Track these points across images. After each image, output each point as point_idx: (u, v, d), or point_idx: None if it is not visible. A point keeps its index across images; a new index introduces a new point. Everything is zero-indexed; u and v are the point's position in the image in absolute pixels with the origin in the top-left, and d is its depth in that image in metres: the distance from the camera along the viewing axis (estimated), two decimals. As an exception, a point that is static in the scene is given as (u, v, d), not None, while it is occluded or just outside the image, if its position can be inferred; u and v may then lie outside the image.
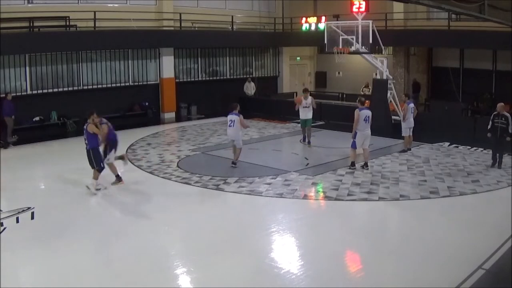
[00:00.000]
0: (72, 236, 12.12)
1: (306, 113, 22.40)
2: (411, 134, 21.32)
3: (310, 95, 23.12)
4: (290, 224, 13.14)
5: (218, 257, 10.75)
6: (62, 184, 17.35)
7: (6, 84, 25.85)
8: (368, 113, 18.26)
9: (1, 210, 14.01)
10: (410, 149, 21.27)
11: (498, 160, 18.60)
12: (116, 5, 29.13)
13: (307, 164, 19.29)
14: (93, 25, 27.29)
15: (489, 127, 18.62)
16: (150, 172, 18.27)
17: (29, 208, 14.02)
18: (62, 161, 20.73)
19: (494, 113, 18.65)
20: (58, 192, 16.43)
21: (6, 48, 24.76)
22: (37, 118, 26.12)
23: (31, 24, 25.82)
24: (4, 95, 24.57)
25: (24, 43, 25.28)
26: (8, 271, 10.28)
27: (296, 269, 10.21)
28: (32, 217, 13.46)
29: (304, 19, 34.49)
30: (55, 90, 27.25)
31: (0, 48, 23.20)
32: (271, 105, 33.03)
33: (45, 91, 26.96)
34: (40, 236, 12.17)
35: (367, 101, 18.93)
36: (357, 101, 18.77)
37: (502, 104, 18.86)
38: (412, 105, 21.36)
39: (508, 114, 18.33)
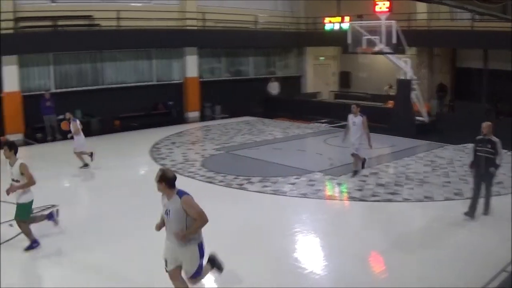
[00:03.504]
0: (95, 234, 12.24)
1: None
2: None
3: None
4: (314, 225, 13.15)
5: (241, 257, 10.76)
6: (86, 182, 17.52)
7: (31, 82, 26.21)
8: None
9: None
10: None
11: (485, 204, 13.50)
12: (139, 4, 29.34)
13: (331, 164, 19.32)
14: (116, 24, 27.49)
15: (471, 158, 13.68)
16: (174, 171, 18.31)
17: (53, 205, 14.13)
18: (87, 159, 20.91)
19: (478, 137, 13.41)
20: (83, 190, 16.61)
21: (31, 47, 25.11)
22: (61, 116, 26.35)
23: (55, 23, 26.06)
24: (43, 93, 25.08)
25: (48, 42, 25.58)
26: (29, 268, 10.55)
27: (320, 269, 10.24)
28: (57, 214, 13.57)
29: (327, 19, 34.55)
30: (80, 88, 27.51)
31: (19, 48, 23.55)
32: (295, 105, 33.03)
33: (69, 89, 27.23)
34: (63, 233, 12.33)
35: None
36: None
37: (489, 123, 13.45)
38: None
39: (496, 139, 13.16)
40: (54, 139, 24.53)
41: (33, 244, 11.26)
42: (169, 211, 7.93)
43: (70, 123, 19.15)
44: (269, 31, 34.59)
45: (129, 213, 13.84)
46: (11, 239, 11.85)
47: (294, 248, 11.55)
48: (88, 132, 25.89)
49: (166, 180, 7.83)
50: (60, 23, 26.17)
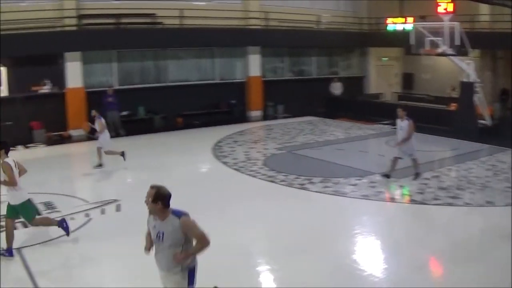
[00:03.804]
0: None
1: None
2: None
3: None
4: (374, 227, 13.16)
5: (300, 256, 10.83)
6: (148, 178, 17.87)
7: (95, 79, 26.85)
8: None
9: (88, 202, 14.68)
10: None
11: None
12: (202, 3, 29.67)
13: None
14: (179, 23, 27.89)
15: None
16: (236, 169, 18.57)
17: (115, 200, 14.60)
18: (148, 155, 21.26)
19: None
20: (144, 186, 16.90)
21: (94, 44, 25.70)
22: (125, 113, 26.86)
23: (118, 21, 26.62)
24: (106, 90, 25.69)
25: (111, 39, 26.20)
26: (91, 263, 10.76)
27: (379, 272, 10.26)
28: (118, 209, 14.03)
29: (389, 19, 34.37)
30: (143, 85, 28.00)
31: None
32: (357, 106, 32.96)
33: (132, 86, 27.76)
34: (124, 228, 12.58)
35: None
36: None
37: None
38: None
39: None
40: (117, 135, 24.99)
41: (5, 253, 10.87)
42: (162, 234, 6.91)
43: (95, 121, 19.36)
44: (331, 31, 34.47)
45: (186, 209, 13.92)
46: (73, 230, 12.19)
47: (353, 250, 11.60)
48: (151, 129, 26.41)
49: (162, 199, 6.89)
50: (123, 20, 26.72)
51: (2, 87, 25.73)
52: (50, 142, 25.05)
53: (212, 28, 28.72)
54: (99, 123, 19.22)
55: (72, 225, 12.42)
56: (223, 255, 10.33)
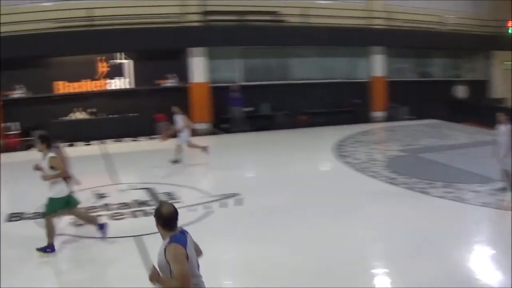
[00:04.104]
0: (274, 227, 12.31)
1: None
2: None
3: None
4: (494, 236, 12.52)
5: (415, 262, 10.42)
6: (270, 173, 17.87)
7: (219, 74, 27.22)
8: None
9: (209, 194, 14.82)
10: None
11: None
12: (325, 2, 29.48)
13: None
14: (301, 21, 27.81)
15: None
16: (357, 170, 18.31)
17: (236, 194, 14.64)
18: (269, 151, 21.31)
19: None
20: (264, 182, 16.94)
21: (219, 40, 26.04)
22: (248, 109, 27.05)
23: (242, 18, 26.82)
24: (231, 85, 25.98)
25: (235, 35, 26.47)
26: (210, 255, 10.74)
27: (496, 283, 9.68)
28: (239, 203, 14.03)
29: (511, 22, 33.08)
30: (267, 82, 28.12)
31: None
32: (481, 110, 31.92)
33: (256, 83, 27.92)
34: (243, 222, 12.65)
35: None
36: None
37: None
38: None
39: None
40: (240, 130, 25.20)
41: (47, 249, 10.84)
42: (158, 255, 6.01)
43: (175, 117, 19.68)
44: (456, 32, 33.47)
45: (302, 207, 13.84)
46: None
47: (470, 258, 11.08)
48: (274, 126, 26.48)
49: (159, 218, 5.96)
50: (247, 17, 26.91)
51: (127, 80, 26.50)
52: (173, 134, 25.57)
53: (335, 27, 28.51)
54: (182, 119, 19.55)
55: (192, 216, 12.75)
56: (338, 255, 10.22)
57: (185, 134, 19.57)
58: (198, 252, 6.40)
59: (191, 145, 19.74)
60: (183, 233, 6.03)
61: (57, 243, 11.04)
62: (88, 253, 11.17)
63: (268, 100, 27.90)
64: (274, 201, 14.20)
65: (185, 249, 5.82)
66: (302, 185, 16.19)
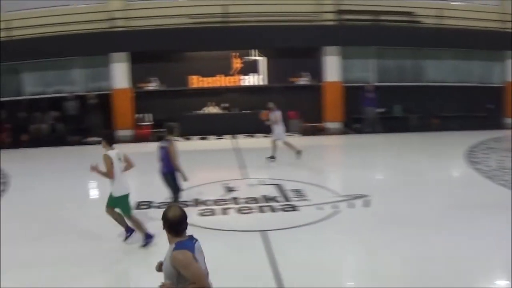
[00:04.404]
0: (400, 231, 11.97)
1: None
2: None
3: None
4: None
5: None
6: (399, 176, 17.67)
7: (353, 74, 27.17)
8: None
9: (337, 194, 14.83)
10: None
11: None
12: (461, 3, 28.78)
13: None
14: (437, 22, 27.34)
15: None
16: (488, 177, 17.79)
17: (364, 195, 14.53)
18: (399, 154, 21.10)
19: None
20: (395, 184, 16.76)
21: (353, 39, 25.99)
22: (381, 110, 26.87)
23: (377, 18, 26.66)
24: (365, 85, 25.89)
25: (370, 35, 26.42)
26: (335, 255, 10.78)
27: None
28: (367, 205, 13.91)
29: None
30: (400, 84, 27.81)
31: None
32: None
33: (390, 84, 27.65)
34: (370, 223, 12.49)
35: None
36: None
37: None
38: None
39: None
40: (372, 131, 25.08)
41: (146, 240, 11.22)
42: (163, 261, 5.84)
43: (270, 113, 19.73)
44: None
45: (430, 213, 13.40)
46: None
47: None
48: (406, 128, 26.18)
49: (165, 222, 5.69)
50: (381, 18, 26.71)
51: (261, 76, 26.89)
52: (305, 132, 25.79)
53: (469, 29, 27.77)
54: (275, 115, 19.59)
55: (319, 215, 12.89)
56: (455, 267, 9.85)
57: (280, 131, 19.71)
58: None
59: (287, 144, 19.87)
60: (191, 239, 5.79)
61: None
62: (213, 244, 11.42)
63: (400, 101, 27.58)
64: (401, 205, 13.97)
65: (193, 254, 5.61)
66: (431, 190, 15.90)
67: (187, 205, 14.16)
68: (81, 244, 11.44)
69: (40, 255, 10.88)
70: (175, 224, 5.67)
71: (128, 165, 11.53)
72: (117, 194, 11.19)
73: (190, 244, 5.68)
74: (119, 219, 11.55)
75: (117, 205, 11.32)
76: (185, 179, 12.64)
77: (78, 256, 10.73)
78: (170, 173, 12.63)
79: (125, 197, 11.26)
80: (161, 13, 25.94)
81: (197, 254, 5.67)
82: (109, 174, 11.00)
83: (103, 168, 11.07)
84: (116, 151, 11.25)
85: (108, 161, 10.95)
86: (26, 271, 10.03)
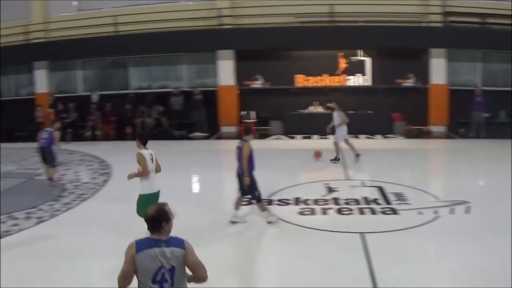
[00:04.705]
0: (497, 237, 11.56)
1: None
2: None
3: None
4: None
5: None
6: (506, 185, 17.16)
7: (459, 77, 26.71)
8: None
9: (438, 199, 14.68)
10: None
11: None
12: None
13: None
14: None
15: None
16: None
17: (465, 202, 14.24)
18: (505, 161, 20.51)
19: None
20: (496, 192, 16.23)
21: (460, 42, 25.55)
22: (486, 115, 26.32)
23: (484, 20, 26.13)
24: (474, 89, 25.49)
25: (476, 38, 25.76)
26: (434, 259, 10.68)
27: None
28: (467, 211, 13.63)
29: None
30: (506, 88, 27.09)
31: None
32: None
33: (495, 88, 27.01)
34: (471, 230, 12.24)
35: None
36: None
37: None
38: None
39: None
40: (477, 136, 24.63)
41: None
42: None
43: (334, 113, 19.72)
44: None
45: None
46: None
47: None
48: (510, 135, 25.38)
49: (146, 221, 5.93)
50: (488, 20, 26.13)
51: (366, 77, 26.83)
52: (409, 135, 25.57)
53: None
54: (340, 115, 19.55)
55: (419, 219, 12.78)
56: None
57: (342, 131, 19.68)
58: (197, 275, 5.98)
59: (348, 144, 19.89)
60: (156, 241, 5.78)
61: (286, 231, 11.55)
62: (312, 244, 11.57)
63: (506, 106, 26.86)
64: (503, 214, 13.50)
65: (136, 251, 5.70)
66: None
67: (287, 203, 14.39)
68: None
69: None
70: (146, 221, 5.87)
71: (157, 168, 11.81)
72: (143, 191, 11.53)
73: (144, 243, 5.78)
74: None
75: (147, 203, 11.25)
76: (246, 182, 12.53)
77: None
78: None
79: (149, 196, 11.43)
80: (267, 12, 26.26)
81: (143, 255, 5.71)
82: (143, 170, 11.38)
83: (134, 170, 11.51)
84: (149, 151, 11.64)
85: (142, 158, 11.37)
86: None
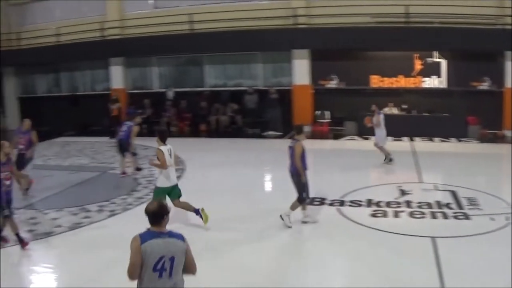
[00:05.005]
0: None
1: None
2: None
3: None
4: None
5: None
6: None
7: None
8: None
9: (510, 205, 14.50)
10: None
11: None
12: None
13: None
14: None
15: None
16: None
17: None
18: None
19: None
20: None
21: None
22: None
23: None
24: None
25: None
26: (497, 264, 10.51)
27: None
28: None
29: None
30: None
31: None
32: None
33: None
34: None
35: None
36: None
37: None
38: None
39: None
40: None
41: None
42: None
43: (374, 116, 20.13)
44: None
45: None
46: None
47: None
48: None
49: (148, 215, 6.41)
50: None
51: (441, 79, 26.73)
52: (483, 139, 25.35)
53: None
54: (377, 118, 19.88)
55: (491, 225, 12.74)
56: None
57: (381, 134, 19.89)
58: (190, 268, 6.59)
59: (381, 148, 20.04)
60: (157, 233, 6.29)
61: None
62: (382, 246, 11.83)
63: None
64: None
65: (141, 243, 6.18)
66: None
67: (360, 205, 14.66)
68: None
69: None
70: (147, 216, 6.35)
71: (176, 162, 13.40)
72: (160, 185, 12.75)
73: (148, 235, 6.26)
74: (186, 206, 13.02)
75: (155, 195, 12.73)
76: (302, 180, 12.84)
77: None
78: (297, 173, 12.86)
79: (163, 190, 12.65)
80: (342, 12, 26.43)
81: (153, 244, 6.20)
82: (162, 164, 12.45)
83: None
84: (168, 147, 12.77)
85: (161, 153, 12.45)
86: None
